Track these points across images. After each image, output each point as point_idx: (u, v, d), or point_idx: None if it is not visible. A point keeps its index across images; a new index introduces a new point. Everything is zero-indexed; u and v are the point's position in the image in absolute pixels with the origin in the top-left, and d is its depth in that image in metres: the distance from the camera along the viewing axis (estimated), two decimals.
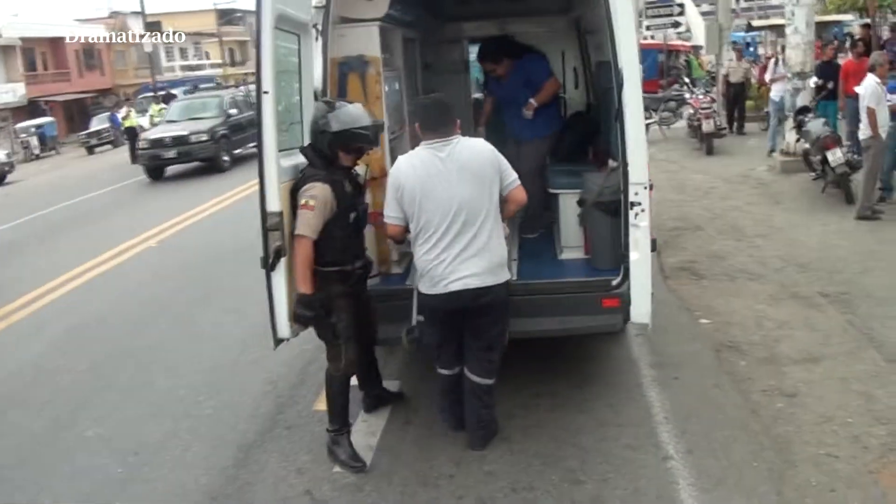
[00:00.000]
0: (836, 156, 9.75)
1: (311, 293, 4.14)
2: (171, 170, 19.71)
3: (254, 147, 19.52)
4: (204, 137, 18.73)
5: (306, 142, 4.53)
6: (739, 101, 17.41)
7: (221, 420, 5.24)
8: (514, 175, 4.32)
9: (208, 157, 18.94)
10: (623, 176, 4.49)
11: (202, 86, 31.53)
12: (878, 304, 6.49)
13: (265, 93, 4.05)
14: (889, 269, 7.31)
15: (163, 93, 35.84)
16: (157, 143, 18.85)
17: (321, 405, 4.86)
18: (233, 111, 20.27)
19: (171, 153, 18.66)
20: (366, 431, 4.75)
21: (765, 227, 9.41)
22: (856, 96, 11.29)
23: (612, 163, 5.09)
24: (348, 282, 4.37)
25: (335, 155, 4.30)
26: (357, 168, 4.50)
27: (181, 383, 5.95)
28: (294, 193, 4.24)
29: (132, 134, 24.05)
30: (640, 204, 4.05)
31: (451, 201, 4.10)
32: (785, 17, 12.96)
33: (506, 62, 6.52)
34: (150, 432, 5.15)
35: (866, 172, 9.09)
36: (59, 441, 5.18)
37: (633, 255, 4.14)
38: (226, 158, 19.23)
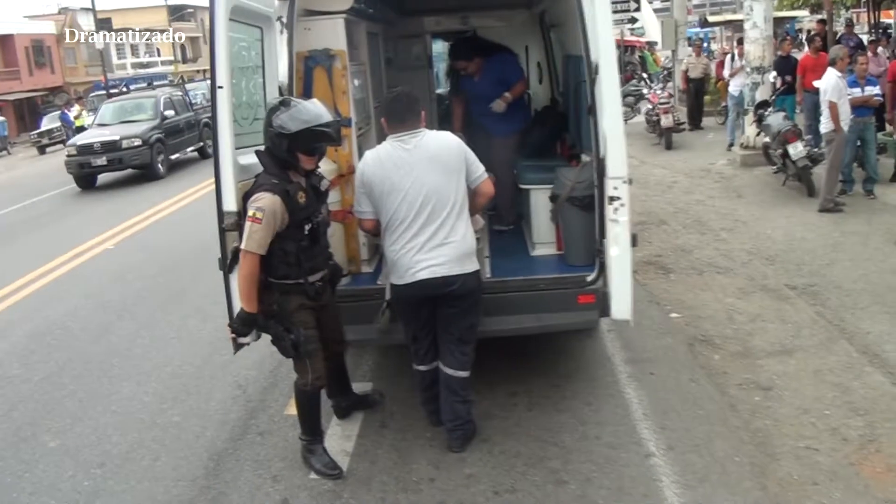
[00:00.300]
0: (797, 149, 9.84)
1: (253, 311, 3.94)
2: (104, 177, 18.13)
3: (193, 151, 19.78)
4: (137, 143, 17.21)
5: None
6: (699, 96, 17.55)
7: (189, 428, 5.05)
8: (482, 168, 4.31)
9: (142, 165, 17.47)
10: (599, 170, 4.43)
11: (133, 86, 29.52)
12: (847, 294, 6.55)
13: (220, 88, 3.90)
14: (855, 260, 7.39)
15: (115, 91, 35.06)
16: (86, 149, 17.17)
17: (293, 409, 4.72)
18: (169, 113, 18.82)
19: (101, 160, 16.99)
20: (340, 436, 4.62)
21: (729, 220, 9.47)
22: (814, 90, 11.49)
23: (584, 157, 5.03)
24: (307, 294, 4.11)
25: (295, 158, 3.94)
26: (319, 170, 4.26)
27: (145, 390, 5.76)
28: (244, 201, 3.96)
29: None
30: (619, 199, 3.98)
31: (418, 191, 4.07)
32: (744, 11, 13.07)
33: (477, 60, 6.49)
34: (116, 442, 4.95)
35: (828, 166, 9.18)
36: (21, 453, 4.95)
37: (613, 251, 4.07)
38: (161, 166, 17.82)
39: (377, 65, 6.74)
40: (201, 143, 20.11)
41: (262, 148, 4.04)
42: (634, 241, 4.16)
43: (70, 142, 18.57)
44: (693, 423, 4.59)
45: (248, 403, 5.32)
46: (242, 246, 3.82)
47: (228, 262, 4.00)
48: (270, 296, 4.04)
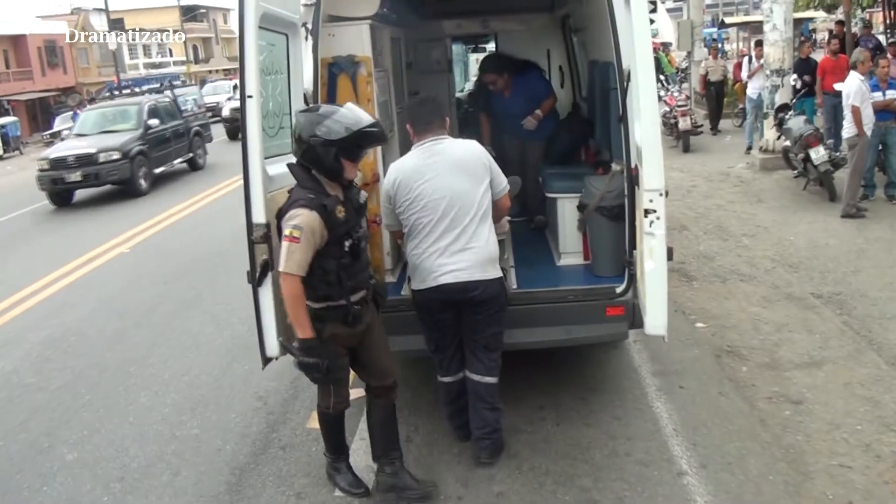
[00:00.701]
0: (819, 153, 9.71)
1: (312, 336, 3.65)
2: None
3: (181, 163, 18.43)
4: (116, 156, 15.50)
5: None
6: (720, 99, 17.35)
7: (210, 441, 4.98)
8: (505, 181, 4.29)
9: (121, 180, 15.73)
10: (630, 180, 4.34)
11: (145, 87, 26.77)
12: (873, 304, 6.44)
13: (249, 97, 3.82)
14: (880, 267, 7.27)
15: (127, 91, 35.07)
16: (59, 163, 15.44)
17: (316, 423, 4.64)
18: (153, 122, 16.98)
19: (76, 175, 15.35)
20: (365, 451, 4.50)
21: (750, 226, 9.36)
22: (833, 93, 11.40)
23: (614, 166, 4.93)
24: (345, 320, 3.81)
25: (340, 167, 3.67)
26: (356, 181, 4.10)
27: (164, 401, 5.68)
28: (279, 218, 3.69)
29: None
30: (655, 211, 3.87)
31: (442, 194, 4.03)
32: (763, 13, 12.92)
33: (506, 76, 6.52)
34: (135, 455, 4.88)
35: (851, 170, 9.05)
36: (38, 466, 4.87)
37: (649, 265, 3.96)
38: (143, 181, 16.12)
39: (399, 70, 6.67)
40: (191, 154, 18.88)
41: (292, 160, 3.84)
42: (670, 254, 4.06)
43: (42, 155, 16.75)
44: (724, 439, 4.48)
45: (270, 416, 5.24)
46: (281, 268, 3.54)
47: (258, 276, 3.89)
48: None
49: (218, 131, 23.72)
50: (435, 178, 4.03)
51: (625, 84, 4.31)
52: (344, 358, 3.94)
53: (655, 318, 4.03)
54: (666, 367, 5.49)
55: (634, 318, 4.79)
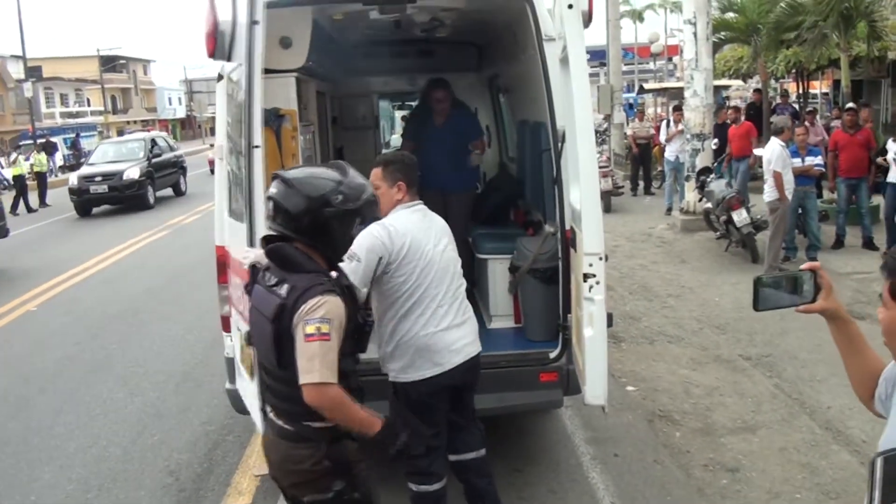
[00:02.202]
0: (741, 216, 9.91)
1: (378, 425, 2.72)
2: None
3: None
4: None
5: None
6: (645, 160, 17.56)
7: None
8: None
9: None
10: (564, 243, 4.24)
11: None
12: (803, 366, 6.46)
13: (256, 147, 3.59)
14: (806, 329, 7.30)
15: (42, 140, 33.97)
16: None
17: (231, 500, 4.30)
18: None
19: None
20: None
21: (675, 286, 9.42)
22: (739, 158, 11.96)
23: (547, 227, 4.82)
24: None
25: (349, 242, 2.95)
26: None
27: (70, 476, 5.20)
28: (280, 315, 2.64)
29: (21, 182, 22.38)
30: (594, 276, 3.73)
31: (449, 264, 3.72)
32: (684, 80, 13.31)
33: (447, 104, 6.29)
34: None
35: (772, 233, 9.25)
36: None
37: (588, 332, 3.81)
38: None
39: (325, 124, 6.50)
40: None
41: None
42: (610, 320, 3.93)
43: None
44: None
45: (181, 493, 4.83)
46: (317, 379, 2.55)
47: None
48: (314, 451, 2.74)
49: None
50: (438, 244, 3.69)
51: (559, 145, 4.23)
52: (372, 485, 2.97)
53: (595, 387, 3.85)
54: (599, 434, 5.34)
55: (569, 384, 4.65)
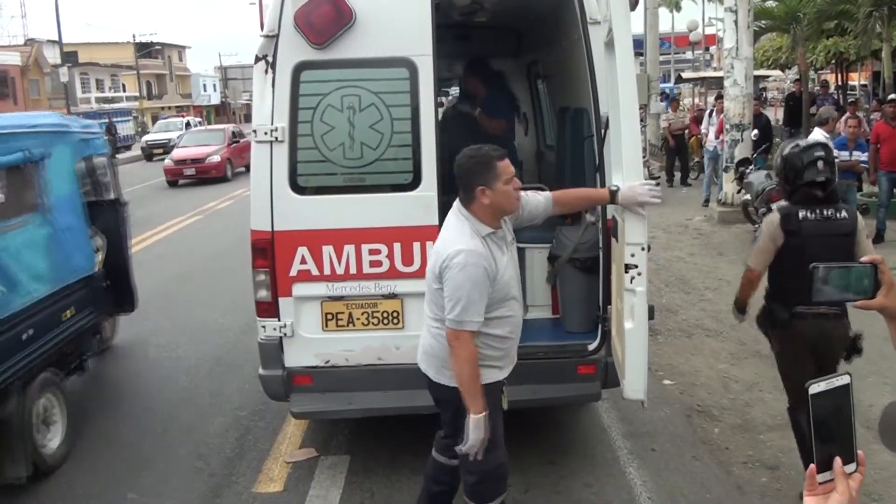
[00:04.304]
0: None
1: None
2: None
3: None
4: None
5: None
6: (681, 151, 17.21)
7: None
8: None
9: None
10: (605, 233, 4.13)
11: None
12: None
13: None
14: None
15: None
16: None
17: (263, 486, 4.27)
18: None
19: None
20: None
21: (712, 279, 9.24)
22: None
23: (588, 217, 4.71)
24: None
25: None
26: None
27: (98, 460, 5.20)
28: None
29: None
30: (636, 266, 3.62)
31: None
32: (724, 70, 13.06)
33: (479, 87, 6.16)
34: None
35: None
36: None
37: (629, 324, 3.70)
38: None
39: None
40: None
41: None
42: (651, 313, 3.82)
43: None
44: None
45: (212, 478, 4.79)
46: None
47: None
48: None
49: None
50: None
51: (602, 132, 4.12)
52: None
53: (634, 381, 3.75)
54: (636, 428, 5.23)
55: (607, 377, 4.56)
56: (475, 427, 3.22)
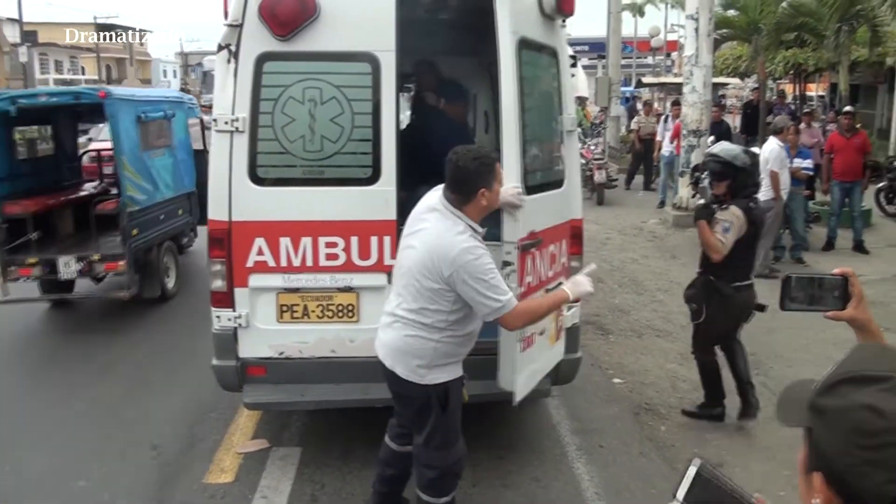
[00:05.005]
0: None
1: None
2: None
3: None
4: None
5: None
6: (648, 155, 17.07)
7: (96, 497, 4.48)
8: None
9: None
10: None
11: None
12: (789, 365, 6.47)
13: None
14: (793, 329, 7.33)
15: None
16: None
17: (214, 477, 4.27)
18: None
19: None
20: None
21: (664, 281, 9.40)
22: None
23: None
24: None
25: None
26: None
27: (49, 448, 5.13)
28: None
29: None
30: (511, 264, 3.80)
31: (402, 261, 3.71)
32: (683, 76, 13.27)
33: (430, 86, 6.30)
34: None
35: (764, 232, 9.19)
36: None
37: None
38: None
39: None
40: None
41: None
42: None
43: None
44: (647, 503, 4.32)
45: (164, 468, 4.78)
46: None
47: None
48: None
49: None
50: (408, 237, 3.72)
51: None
52: None
53: (505, 373, 4.00)
54: (585, 425, 5.33)
55: (558, 374, 4.65)
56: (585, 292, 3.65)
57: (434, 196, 3.53)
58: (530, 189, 4.16)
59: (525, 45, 4.23)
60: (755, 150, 10.06)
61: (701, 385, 5.60)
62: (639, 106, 21.84)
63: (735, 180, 5.15)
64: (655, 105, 22.53)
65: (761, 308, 5.31)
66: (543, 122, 4.61)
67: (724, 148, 5.43)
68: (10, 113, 7.16)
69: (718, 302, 5.22)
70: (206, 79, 19.57)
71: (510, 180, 3.74)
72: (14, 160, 7.96)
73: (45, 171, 8.63)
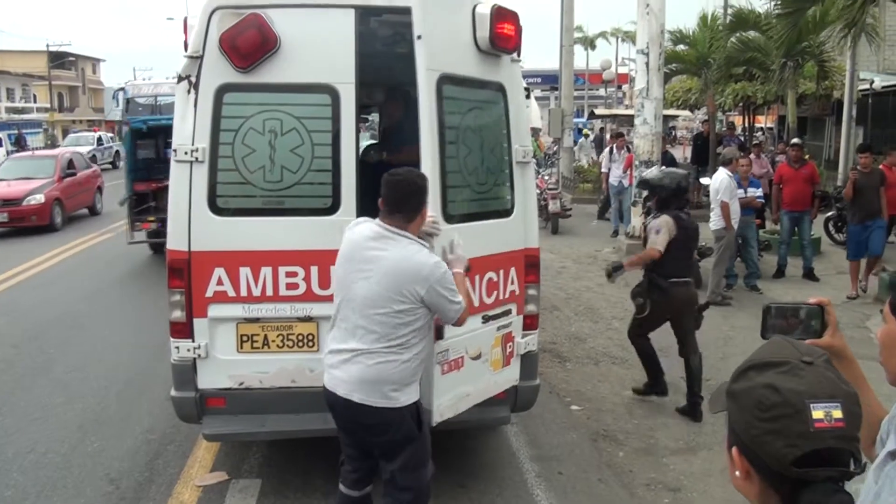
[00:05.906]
0: None
1: None
2: None
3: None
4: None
5: None
6: None
7: None
8: None
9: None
10: None
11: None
12: None
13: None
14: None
15: None
16: None
17: None
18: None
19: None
20: None
21: (619, 309, 9.52)
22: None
23: None
24: None
25: None
26: None
27: (6, 482, 5.03)
28: None
29: None
30: None
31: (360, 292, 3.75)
32: (634, 108, 13.58)
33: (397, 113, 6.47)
34: None
35: (716, 260, 9.44)
36: None
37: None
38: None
39: None
40: None
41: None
42: (440, 333, 4.01)
43: None
44: None
45: (122, 501, 4.72)
46: None
47: None
48: None
49: None
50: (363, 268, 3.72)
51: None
52: None
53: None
54: (544, 452, 5.39)
55: (517, 401, 4.70)
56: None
57: (367, 227, 3.55)
58: (455, 218, 4.27)
59: (450, 81, 4.29)
60: (705, 180, 10.39)
61: (645, 372, 6.52)
62: (607, 137, 22.13)
63: (659, 196, 6.21)
64: (608, 137, 22.91)
65: (703, 307, 6.38)
66: (481, 154, 4.65)
67: (647, 171, 6.76)
68: (143, 129, 12.04)
69: (658, 295, 6.10)
70: (130, 106, 18.27)
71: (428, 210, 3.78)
72: (136, 159, 12.59)
73: (149, 168, 12.78)
